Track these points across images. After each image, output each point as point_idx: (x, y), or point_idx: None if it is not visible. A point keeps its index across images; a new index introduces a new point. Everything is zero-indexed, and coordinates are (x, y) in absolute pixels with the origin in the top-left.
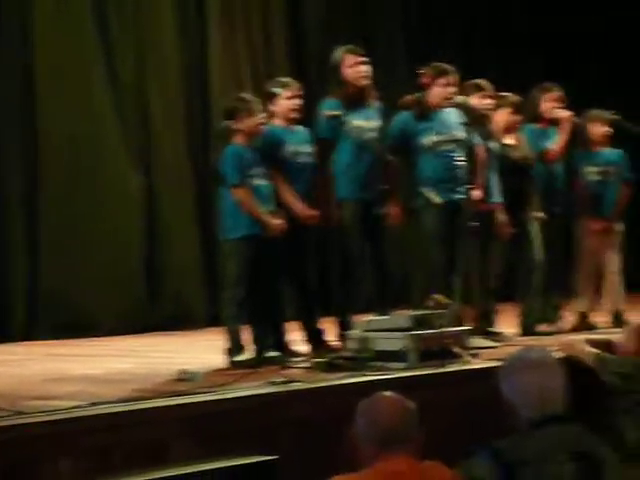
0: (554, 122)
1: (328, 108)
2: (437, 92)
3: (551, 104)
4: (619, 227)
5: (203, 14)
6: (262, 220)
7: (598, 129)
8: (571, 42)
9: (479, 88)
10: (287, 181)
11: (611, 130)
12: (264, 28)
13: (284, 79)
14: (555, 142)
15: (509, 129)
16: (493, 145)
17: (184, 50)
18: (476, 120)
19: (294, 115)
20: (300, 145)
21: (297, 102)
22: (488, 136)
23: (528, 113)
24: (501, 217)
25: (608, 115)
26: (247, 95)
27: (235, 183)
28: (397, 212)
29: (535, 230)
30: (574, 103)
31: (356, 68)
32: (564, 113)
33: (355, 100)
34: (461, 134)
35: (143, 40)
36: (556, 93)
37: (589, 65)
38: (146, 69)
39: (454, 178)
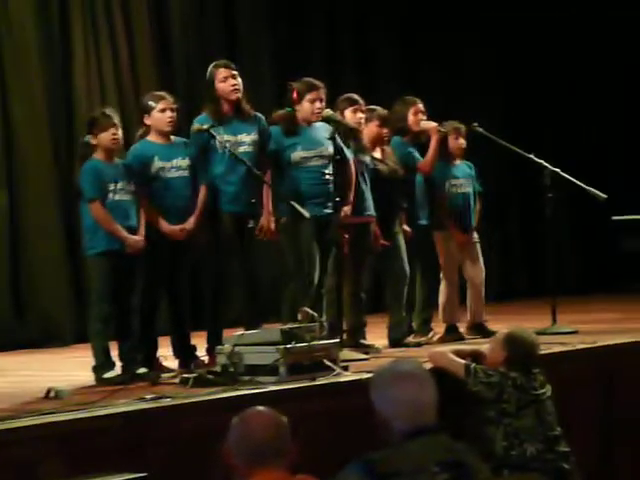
0: (419, 134)
1: (198, 123)
2: (305, 107)
3: (417, 116)
4: (476, 238)
5: (66, 29)
6: (118, 236)
7: (456, 141)
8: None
9: (352, 102)
10: (156, 197)
11: (465, 142)
12: (129, 42)
13: (158, 92)
14: (427, 155)
15: (376, 142)
16: (366, 158)
17: (48, 65)
18: (348, 134)
19: (168, 128)
20: (171, 160)
21: (171, 115)
22: (360, 149)
23: (394, 126)
24: (375, 230)
25: (462, 126)
26: (108, 109)
27: (90, 197)
28: (268, 226)
29: (402, 243)
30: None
31: (227, 82)
32: (431, 124)
33: (227, 114)
34: (329, 149)
35: (3, 54)
36: (420, 105)
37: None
38: (9, 84)
39: (323, 193)
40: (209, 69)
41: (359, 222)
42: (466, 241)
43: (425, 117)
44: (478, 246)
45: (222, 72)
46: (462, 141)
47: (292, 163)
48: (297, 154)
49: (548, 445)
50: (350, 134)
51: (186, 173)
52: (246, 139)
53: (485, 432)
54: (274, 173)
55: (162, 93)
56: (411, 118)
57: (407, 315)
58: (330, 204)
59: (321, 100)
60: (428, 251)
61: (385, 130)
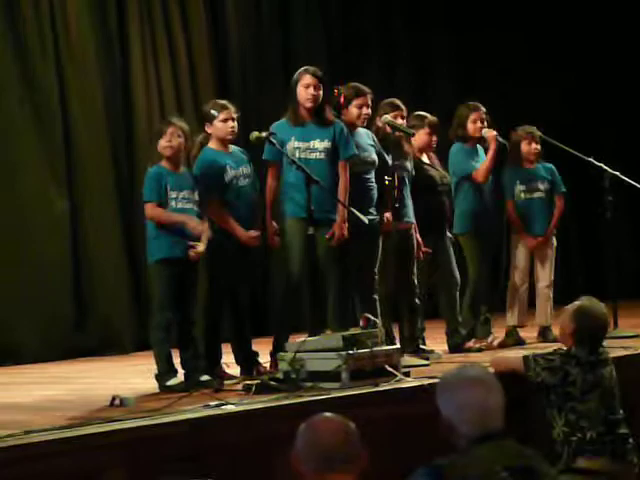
0: (479, 141)
1: (274, 129)
2: (352, 113)
3: (476, 124)
4: (553, 242)
5: (124, 28)
6: (182, 221)
7: (528, 146)
8: (491, 57)
9: (394, 107)
10: (227, 206)
11: (539, 147)
12: (188, 52)
13: (221, 101)
14: (483, 162)
15: (424, 149)
16: (408, 165)
17: (106, 74)
18: (391, 140)
19: (230, 137)
20: (238, 168)
21: (232, 125)
22: (403, 155)
23: (455, 132)
24: (416, 237)
25: (537, 131)
26: (173, 117)
27: (146, 200)
28: (341, 232)
29: (450, 249)
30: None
31: (308, 90)
32: (490, 133)
33: (305, 119)
34: (373, 155)
35: (64, 65)
36: (482, 112)
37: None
38: (69, 92)
39: (366, 200)
40: (298, 72)
41: (399, 228)
42: (537, 245)
43: (485, 124)
44: (552, 250)
45: (306, 79)
46: (535, 145)
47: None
48: None
49: (608, 428)
50: (394, 140)
51: (249, 181)
52: (318, 146)
53: (546, 416)
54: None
55: (225, 102)
56: (470, 125)
57: (472, 318)
58: (373, 210)
59: (368, 106)
60: (490, 256)
61: (434, 138)
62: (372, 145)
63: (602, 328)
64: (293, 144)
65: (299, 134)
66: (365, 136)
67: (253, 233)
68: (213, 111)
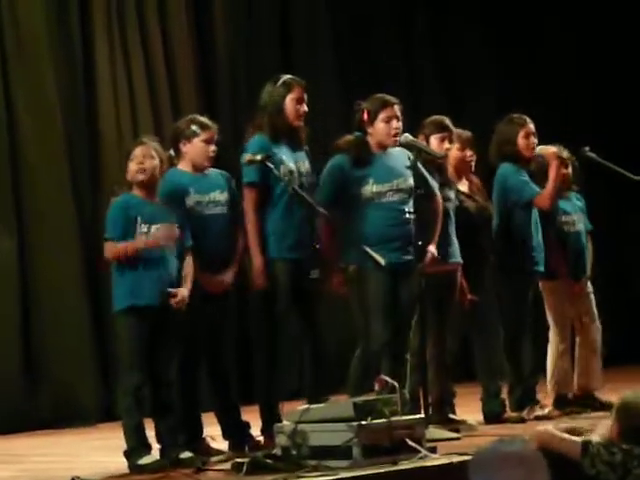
0: (529, 161)
1: (251, 151)
2: (379, 129)
3: (529, 140)
4: (590, 288)
5: (87, 32)
6: (149, 244)
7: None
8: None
9: (441, 128)
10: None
11: (571, 170)
12: (165, 51)
13: (202, 119)
14: (547, 186)
15: (460, 171)
16: (451, 194)
17: (65, 78)
18: (431, 164)
19: (207, 164)
20: (209, 193)
21: (214, 149)
22: (446, 184)
23: (500, 151)
24: (462, 281)
25: (567, 151)
26: (145, 136)
27: (108, 237)
28: (336, 277)
29: (492, 295)
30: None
31: (299, 105)
32: (550, 149)
33: (284, 138)
34: (409, 181)
35: (11, 68)
36: (531, 126)
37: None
38: (16, 100)
39: (402, 235)
40: (282, 81)
41: (443, 271)
42: (581, 292)
43: (537, 140)
44: (592, 297)
45: (298, 92)
46: (570, 169)
47: (363, 199)
48: (369, 188)
49: None
50: (435, 165)
51: (225, 209)
52: (303, 169)
53: None
54: (338, 212)
55: (207, 121)
56: (522, 142)
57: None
58: (410, 249)
59: (398, 119)
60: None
61: (469, 153)
62: (408, 167)
63: None
64: (285, 167)
65: (286, 155)
66: (399, 157)
67: (222, 278)
68: (195, 127)
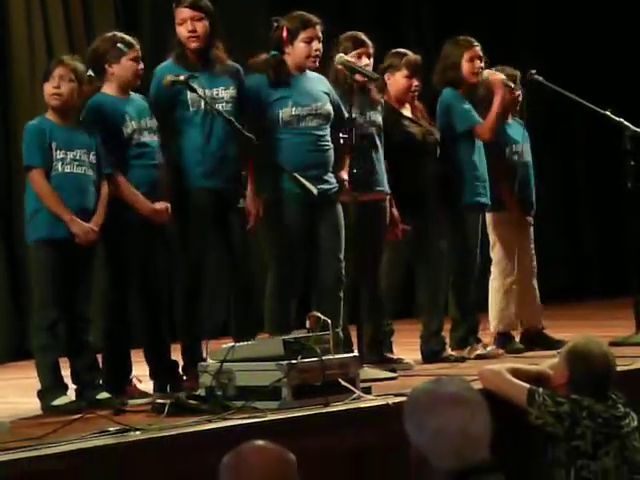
0: (474, 86)
1: (161, 73)
2: (299, 49)
3: (474, 64)
4: (531, 220)
5: None
6: (63, 220)
7: (510, 93)
8: None
9: (358, 43)
10: (125, 168)
11: (520, 94)
12: None
13: (126, 36)
14: (488, 115)
15: (403, 97)
16: (377, 118)
17: None
18: (351, 85)
19: (137, 82)
20: (140, 120)
21: (141, 66)
22: (371, 106)
23: (444, 75)
24: (392, 211)
25: (517, 73)
26: (65, 55)
27: (29, 164)
28: (258, 206)
29: (439, 227)
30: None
31: (184, 26)
32: (497, 76)
33: (195, 64)
34: (327, 106)
35: None
36: (478, 49)
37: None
38: None
39: (320, 163)
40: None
41: (368, 200)
42: (525, 225)
43: (483, 65)
44: (532, 231)
45: (182, 12)
46: (518, 92)
47: (280, 123)
48: (287, 111)
49: None
50: (356, 86)
51: (157, 137)
52: (223, 94)
53: (552, 477)
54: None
55: (131, 38)
56: (466, 66)
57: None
58: (329, 178)
59: (319, 40)
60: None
61: (415, 82)
62: (326, 93)
63: (606, 374)
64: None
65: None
66: (316, 81)
67: (159, 205)
68: (121, 46)
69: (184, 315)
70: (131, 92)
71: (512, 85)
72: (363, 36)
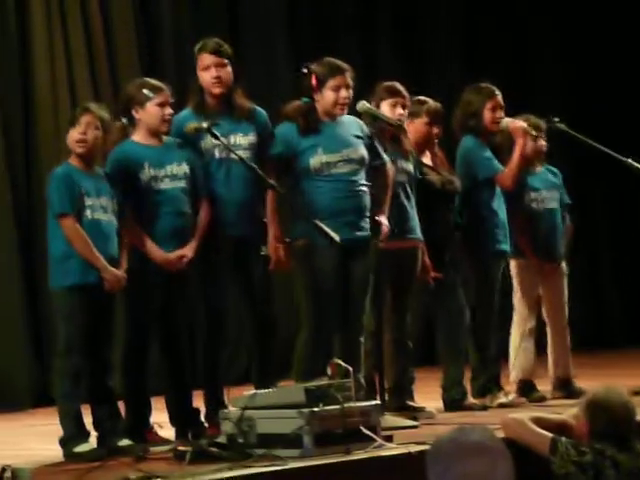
0: (493, 135)
1: (179, 121)
2: (327, 97)
3: (496, 113)
4: (564, 269)
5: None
6: (97, 267)
7: (534, 142)
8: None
9: (392, 93)
10: (145, 215)
11: (545, 143)
12: (105, 12)
13: (154, 81)
14: (509, 163)
15: (424, 145)
16: (409, 166)
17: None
18: (385, 133)
19: (164, 128)
20: (166, 166)
21: (170, 112)
22: (402, 155)
23: (464, 123)
24: (423, 258)
25: (542, 122)
26: (90, 103)
27: (60, 212)
28: (282, 254)
29: (457, 277)
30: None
31: (209, 72)
32: (518, 124)
33: (214, 110)
34: (360, 151)
35: None
36: (499, 98)
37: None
38: None
39: (353, 209)
40: (195, 50)
41: (402, 247)
42: (551, 273)
43: (503, 113)
44: (565, 280)
45: (206, 58)
46: (542, 142)
47: (311, 170)
48: (317, 158)
49: None
50: (390, 134)
51: (183, 183)
52: (242, 141)
53: None
54: (285, 184)
55: (158, 83)
56: (488, 115)
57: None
58: (364, 224)
59: (348, 87)
60: (497, 286)
61: (436, 130)
62: (359, 137)
63: (626, 423)
64: (210, 141)
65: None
66: (349, 126)
67: (174, 254)
68: (146, 92)
69: (207, 362)
70: (165, 137)
71: (534, 133)
72: (399, 86)
